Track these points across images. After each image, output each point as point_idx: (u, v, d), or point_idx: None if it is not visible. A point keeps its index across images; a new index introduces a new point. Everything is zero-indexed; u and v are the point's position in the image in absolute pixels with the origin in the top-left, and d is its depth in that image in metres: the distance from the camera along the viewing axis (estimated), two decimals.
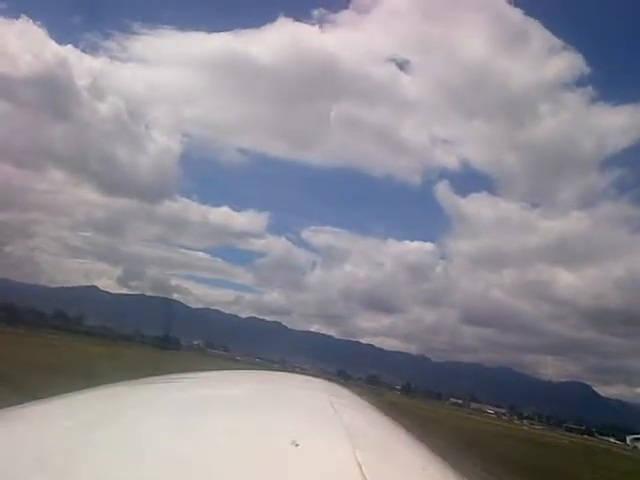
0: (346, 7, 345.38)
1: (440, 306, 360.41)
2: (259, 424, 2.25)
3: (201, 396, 2.90)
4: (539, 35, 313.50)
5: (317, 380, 3.89)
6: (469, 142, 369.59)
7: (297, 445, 1.90)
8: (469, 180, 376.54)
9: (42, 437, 1.96)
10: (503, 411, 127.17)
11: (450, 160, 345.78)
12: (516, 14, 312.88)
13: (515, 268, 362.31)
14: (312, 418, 2.54)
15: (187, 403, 2.63)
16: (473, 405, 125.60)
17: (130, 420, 2.21)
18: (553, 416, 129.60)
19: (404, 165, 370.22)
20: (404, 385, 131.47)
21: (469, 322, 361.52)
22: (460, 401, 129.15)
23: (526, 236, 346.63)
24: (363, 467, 1.87)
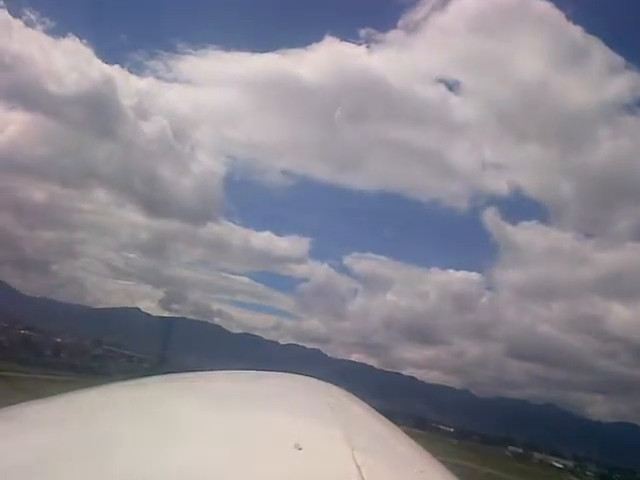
0: (394, 26, 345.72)
1: (485, 339, 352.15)
2: (256, 425, 2.31)
3: (195, 396, 2.81)
4: (600, 53, 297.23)
5: (314, 380, 3.79)
6: (521, 167, 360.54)
7: (300, 449, 1.95)
8: (519, 207, 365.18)
9: (46, 436, 2.09)
10: (569, 464, 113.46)
11: (500, 186, 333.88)
12: (576, 31, 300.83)
13: (566, 301, 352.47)
14: (309, 419, 2.52)
15: (181, 403, 2.63)
16: (536, 455, 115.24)
17: (126, 420, 2.27)
18: (603, 462, 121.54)
19: (451, 190, 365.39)
20: (457, 429, 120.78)
21: (515, 356, 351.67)
22: (520, 450, 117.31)
23: (578, 268, 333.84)
24: (362, 469, 1.91)
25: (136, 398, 2.79)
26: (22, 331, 79.07)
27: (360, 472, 1.92)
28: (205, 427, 2.24)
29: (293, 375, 3.93)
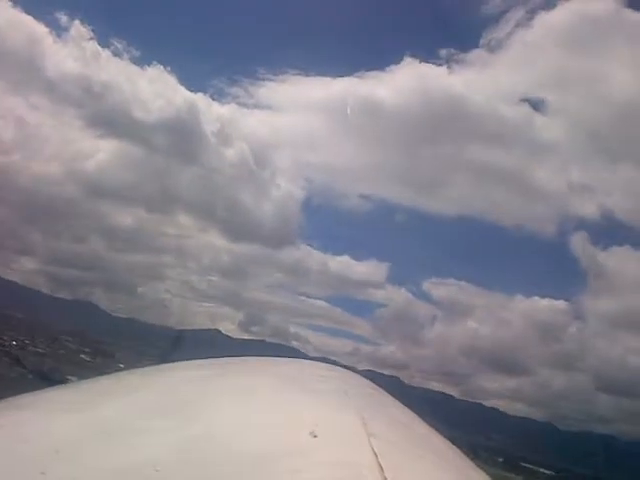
0: (476, 45, 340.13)
1: (572, 370, 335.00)
2: (272, 411, 2.33)
3: (210, 384, 2.80)
4: None
5: (330, 366, 3.72)
6: (612, 189, 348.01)
7: (315, 436, 1.98)
8: (610, 231, 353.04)
9: (65, 424, 2.12)
10: None
11: (589, 208, 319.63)
12: None
13: None
14: (326, 405, 2.52)
15: (195, 391, 2.62)
16: None
17: (146, 406, 2.33)
18: None
19: (536, 214, 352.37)
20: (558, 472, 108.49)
21: (604, 389, 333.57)
22: None
23: None
24: (379, 455, 1.92)
25: (153, 383, 2.82)
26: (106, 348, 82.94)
27: (377, 459, 1.91)
28: (220, 413, 2.25)
29: (310, 361, 3.85)
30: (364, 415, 2.37)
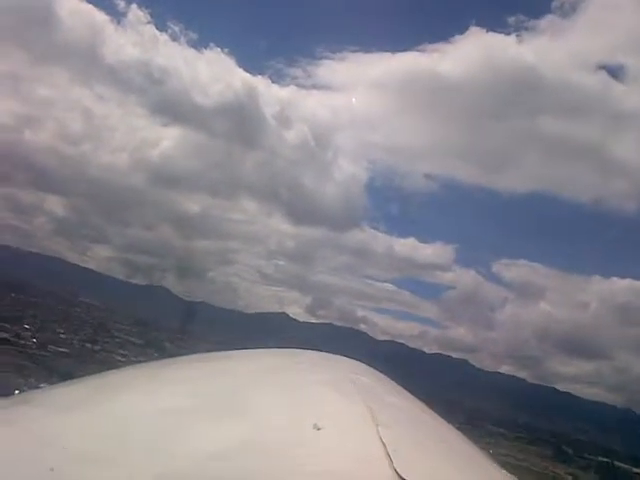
0: (548, 11, 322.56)
1: None
2: (277, 403, 2.33)
3: (219, 375, 2.82)
4: None
5: (338, 357, 3.70)
6: None
7: (319, 429, 1.98)
8: None
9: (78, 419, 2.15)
10: None
11: None
12: None
13: None
14: (333, 396, 2.52)
15: (203, 382, 2.64)
16: None
17: (159, 399, 2.33)
18: None
19: (616, 189, 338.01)
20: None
21: None
22: None
23: None
24: (387, 445, 1.92)
25: (157, 379, 2.82)
26: (178, 336, 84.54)
27: (385, 448, 1.91)
28: (230, 404, 2.24)
29: (320, 352, 3.84)
30: (372, 405, 2.36)
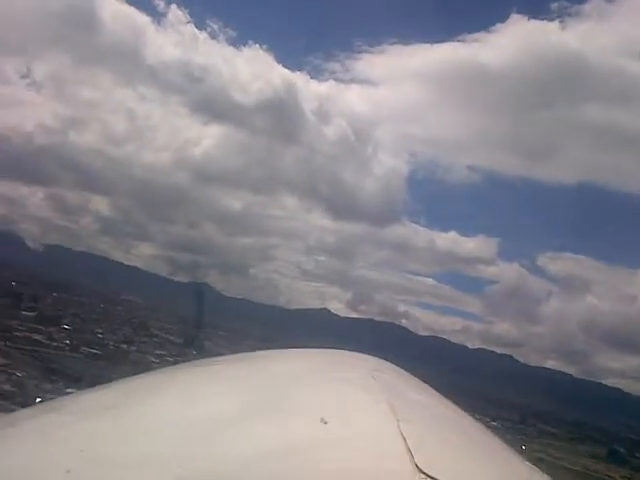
0: None
1: None
2: (299, 400, 2.38)
3: (249, 375, 2.86)
4: None
5: (359, 355, 3.69)
6: None
7: (325, 423, 2.02)
8: None
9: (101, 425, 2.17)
10: None
11: None
12: None
13: None
14: (355, 393, 2.55)
15: (232, 383, 2.69)
16: None
17: (186, 402, 2.35)
18: None
19: None
20: None
21: None
22: None
23: None
24: (407, 440, 1.95)
25: (172, 383, 2.82)
26: (220, 333, 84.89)
27: (406, 443, 1.93)
28: (256, 403, 2.28)
29: (339, 350, 3.83)
30: (393, 401, 2.37)
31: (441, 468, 1.84)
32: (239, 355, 3.73)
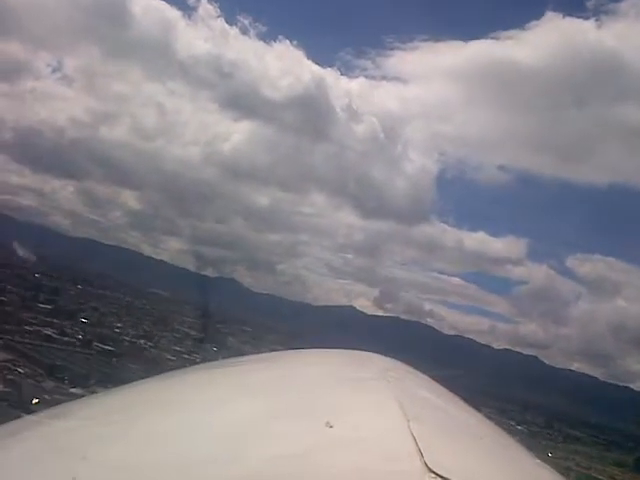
0: None
1: None
2: (310, 400, 2.37)
3: (262, 377, 2.87)
4: None
5: (371, 354, 3.74)
6: None
7: (331, 427, 1.99)
8: None
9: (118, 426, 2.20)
10: None
11: None
12: None
13: None
14: (365, 391, 2.56)
15: (247, 384, 2.69)
16: None
17: (197, 407, 2.37)
18: None
19: None
20: None
21: None
22: None
23: None
24: (418, 440, 1.91)
25: (175, 388, 2.88)
26: (245, 328, 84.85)
27: (416, 443, 1.90)
28: (257, 405, 2.27)
29: (351, 350, 3.93)
30: (403, 400, 2.37)
31: (451, 468, 1.83)
32: (250, 357, 3.87)
